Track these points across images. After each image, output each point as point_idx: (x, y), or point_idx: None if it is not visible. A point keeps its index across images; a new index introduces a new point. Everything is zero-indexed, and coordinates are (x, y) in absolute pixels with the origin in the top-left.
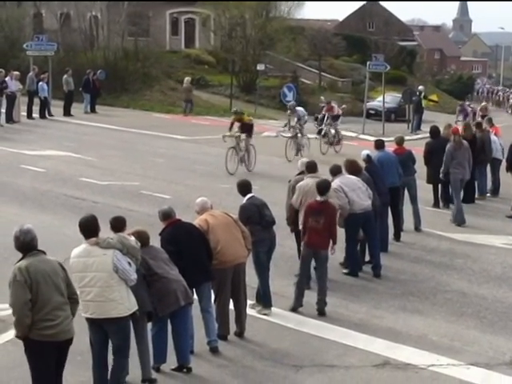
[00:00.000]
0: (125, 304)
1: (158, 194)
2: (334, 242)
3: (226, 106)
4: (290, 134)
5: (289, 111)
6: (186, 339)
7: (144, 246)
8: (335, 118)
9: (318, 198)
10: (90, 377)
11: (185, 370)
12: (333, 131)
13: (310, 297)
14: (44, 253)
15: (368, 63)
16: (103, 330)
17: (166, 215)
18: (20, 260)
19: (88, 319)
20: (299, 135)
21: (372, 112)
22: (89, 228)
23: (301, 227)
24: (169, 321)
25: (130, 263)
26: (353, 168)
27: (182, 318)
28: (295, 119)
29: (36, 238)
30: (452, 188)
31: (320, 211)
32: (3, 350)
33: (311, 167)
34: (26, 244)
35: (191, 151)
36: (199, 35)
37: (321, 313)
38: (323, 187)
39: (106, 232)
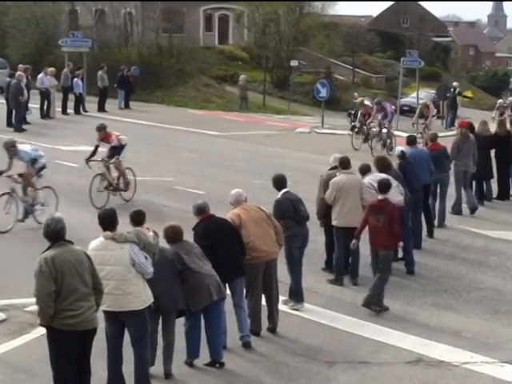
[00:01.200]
0: (141, 297)
1: (192, 189)
2: (397, 240)
3: (260, 102)
4: (323, 130)
5: (6, 152)
6: (219, 334)
7: (178, 241)
8: (114, 150)
9: (380, 197)
10: (124, 370)
11: (217, 365)
12: (114, 174)
13: (343, 293)
14: (71, 243)
15: (402, 59)
16: (119, 322)
17: (201, 210)
18: (47, 249)
19: (105, 312)
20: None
21: (406, 108)
22: (107, 221)
23: (331, 221)
24: (202, 316)
25: (146, 257)
26: (382, 164)
27: (215, 312)
28: (20, 163)
29: (65, 228)
30: (454, 179)
31: (380, 210)
32: (37, 343)
33: (344, 163)
34: (56, 232)
35: (225, 147)
36: (233, 31)
37: (366, 305)
38: (384, 185)
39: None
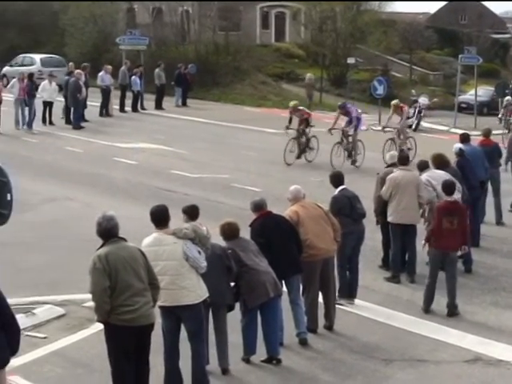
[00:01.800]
0: (196, 291)
1: (249, 186)
2: (465, 243)
3: (316, 99)
4: (379, 128)
5: None
6: (276, 331)
7: (234, 238)
8: None
9: (448, 199)
10: (182, 366)
11: (274, 361)
12: None
13: (400, 291)
14: (125, 240)
15: (460, 56)
16: (175, 317)
17: (258, 206)
18: (100, 247)
19: (161, 307)
20: None
21: (464, 106)
22: (160, 217)
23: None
24: (258, 313)
25: (199, 252)
26: (439, 162)
27: (272, 309)
28: None
29: (118, 226)
30: None
31: (453, 212)
32: (96, 338)
33: (403, 159)
34: (108, 230)
35: (282, 144)
36: (289, 29)
37: (451, 315)
38: (448, 186)
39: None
